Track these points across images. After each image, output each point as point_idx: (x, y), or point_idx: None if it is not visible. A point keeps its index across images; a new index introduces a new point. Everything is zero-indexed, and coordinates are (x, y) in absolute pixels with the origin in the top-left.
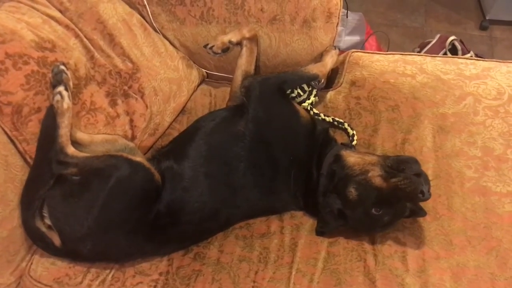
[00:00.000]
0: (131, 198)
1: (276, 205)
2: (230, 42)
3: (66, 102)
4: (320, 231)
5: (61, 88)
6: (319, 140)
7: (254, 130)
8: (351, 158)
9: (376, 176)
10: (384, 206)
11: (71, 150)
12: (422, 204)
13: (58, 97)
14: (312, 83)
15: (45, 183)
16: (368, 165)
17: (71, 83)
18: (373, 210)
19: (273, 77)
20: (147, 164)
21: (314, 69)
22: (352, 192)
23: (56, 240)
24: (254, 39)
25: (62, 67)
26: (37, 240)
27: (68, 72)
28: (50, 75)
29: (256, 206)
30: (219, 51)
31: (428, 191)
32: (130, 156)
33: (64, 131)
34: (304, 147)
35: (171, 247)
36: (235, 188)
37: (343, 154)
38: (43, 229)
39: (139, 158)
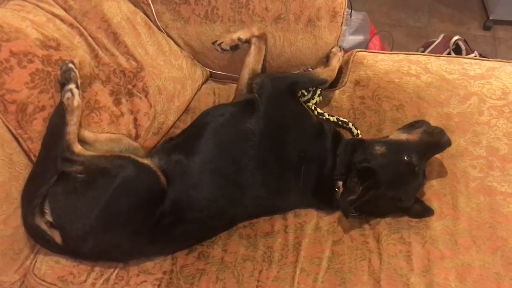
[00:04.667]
0: (135, 200)
1: (283, 204)
2: (239, 39)
3: (77, 100)
4: (347, 210)
5: (72, 86)
6: (329, 136)
7: (265, 128)
8: (369, 138)
9: (400, 134)
10: (414, 154)
11: (78, 148)
12: (427, 204)
13: (68, 94)
14: None
15: (48, 180)
16: (388, 134)
17: (79, 81)
18: (404, 157)
19: (285, 76)
20: (153, 167)
21: (324, 73)
22: (379, 148)
23: (57, 237)
24: (263, 37)
25: (71, 65)
26: (37, 238)
27: (76, 70)
28: (58, 72)
29: (264, 205)
30: (228, 48)
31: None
32: (137, 158)
33: (72, 129)
34: (315, 144)
35: (175, 246)
36: (243, 187)
37: (359, 138)
38: (43, 226)
39: (146, 160)
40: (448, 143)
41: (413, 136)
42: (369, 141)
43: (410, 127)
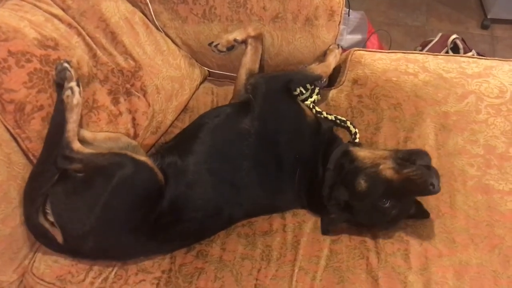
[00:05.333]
0: (133, 197)
1: (279, 204)
2: (235, 40)
3: (76, 98)
4: (325, 228)
5: (73, 84)
6: (325, 138)
7: (260, 128)
8: (361, 152)
9: (387, 168)
10: (392, 198)
11: (77, 145)
12: (424, 202)
13: (69, 92)
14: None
15: (49, 178)
16: (380, 158)
17: (77, 80)
18: (381, 202)
19: (279, 75)
20: (151, 163)
21: (318, 69)
22: (361, 183)
23: (59, 237)
24: (259, 37)
25: (66, 64)
26: (39, 236)
27: (72, 70)
28: (53, 72)
29: (260, 205)
30: (224, 49)
31: (438, 185)
32: (134, 155)
33: (71, 126)
34: (310, 145)
35: (174, 245)
36: (239, 186)
37: (352, 149)
38: (46, 225)
39: (143, 157)
40: (432, 193)
41: (399, 176)
42: (358, 163)
43: (405, 161)
